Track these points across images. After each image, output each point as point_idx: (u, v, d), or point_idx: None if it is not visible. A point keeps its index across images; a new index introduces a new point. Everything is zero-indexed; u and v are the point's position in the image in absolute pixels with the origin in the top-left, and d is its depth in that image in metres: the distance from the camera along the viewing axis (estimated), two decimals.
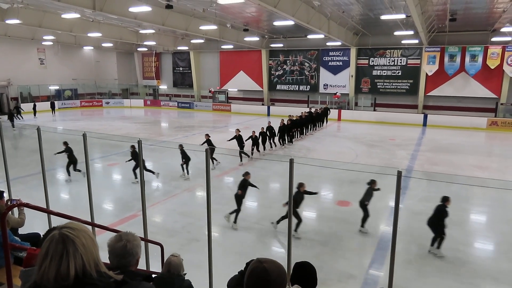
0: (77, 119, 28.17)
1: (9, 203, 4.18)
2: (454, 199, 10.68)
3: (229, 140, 14.84)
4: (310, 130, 22.36)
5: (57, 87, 33.83)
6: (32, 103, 28.53)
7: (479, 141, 21.31)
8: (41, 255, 1.45)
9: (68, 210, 4.57)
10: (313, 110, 24.21)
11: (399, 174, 3.89)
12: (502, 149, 19.19)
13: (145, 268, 5.35)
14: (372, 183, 8.41)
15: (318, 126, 23.77)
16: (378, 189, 8.46)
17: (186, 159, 12.52)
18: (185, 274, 3.58)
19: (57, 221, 1.64)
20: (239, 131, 14.97)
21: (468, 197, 11.41)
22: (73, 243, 1.44)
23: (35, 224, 5.64)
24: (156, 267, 5.27)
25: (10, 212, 4.91)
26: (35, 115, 27.84)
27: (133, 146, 11.49)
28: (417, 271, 6.84)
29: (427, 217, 9.24)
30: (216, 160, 14.29)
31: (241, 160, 14.86)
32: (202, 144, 14.43)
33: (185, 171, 12.73)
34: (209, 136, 14.22)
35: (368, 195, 8.40)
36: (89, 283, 1.46)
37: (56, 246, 1.44)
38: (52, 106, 29.06)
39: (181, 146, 12.53)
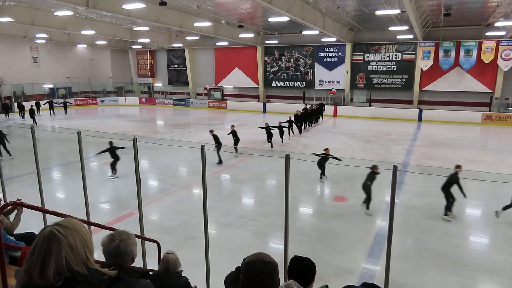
0: (71, 117, 27.98)
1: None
2: None
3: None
4: (306, 126, 22.39)
5: (51, 86, 33.55)
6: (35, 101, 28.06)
7: (474, 136, 21.45)
8: (30, 251, 1.45)
9: (64, 209, 4.54)
10: (308, 106, 24.24)
11: (395, 168, 3.91)
12: (496, 143, 19.32)
13: (142, 266, 5.34)
14: (374, 167, 9.03)
15: (313, 123, 23.81)
16: (378, 173, 9.01)
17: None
18: (182, 271, 3.58)
19: (52, 220, 1.63)
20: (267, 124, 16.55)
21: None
22: (59, 243, 1.43)
23: (30, 223, 5.60)
24: (153, 264, 5.26)
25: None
26: (38, 113, 27.41)
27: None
28: (413, 265, 6.88)
29: (423, 211, 9.40)
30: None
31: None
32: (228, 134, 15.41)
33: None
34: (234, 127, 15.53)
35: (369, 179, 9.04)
36: (81, 281, 1.46)
37: (42, 243, 1.43)
38: (51, 105, 28.79)
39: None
